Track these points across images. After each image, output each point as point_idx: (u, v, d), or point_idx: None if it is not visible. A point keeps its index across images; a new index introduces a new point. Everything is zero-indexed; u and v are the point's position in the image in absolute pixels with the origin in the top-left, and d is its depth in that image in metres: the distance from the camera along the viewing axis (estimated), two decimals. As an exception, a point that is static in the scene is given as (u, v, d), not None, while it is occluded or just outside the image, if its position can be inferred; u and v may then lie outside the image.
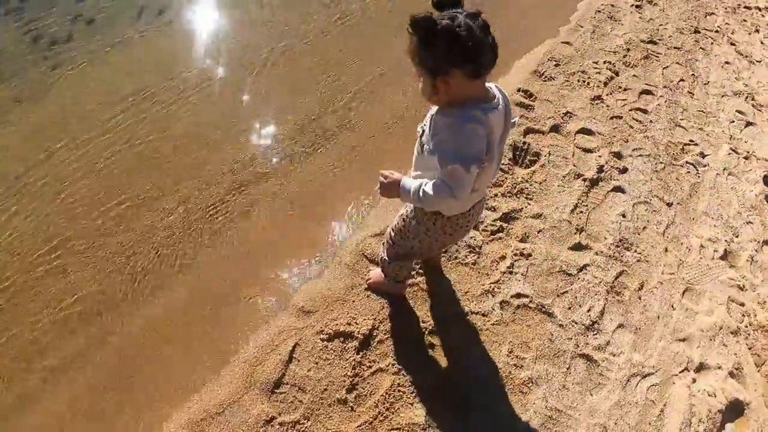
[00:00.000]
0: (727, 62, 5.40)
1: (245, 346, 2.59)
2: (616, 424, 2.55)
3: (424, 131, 1.99)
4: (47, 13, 4.43)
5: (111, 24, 4.42)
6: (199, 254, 3.01)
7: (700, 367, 2.89)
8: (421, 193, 1.87)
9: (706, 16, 6.06)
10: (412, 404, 2.40)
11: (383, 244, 2.53)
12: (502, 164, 3.49)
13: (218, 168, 3.43)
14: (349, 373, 2.45)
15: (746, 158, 4.25)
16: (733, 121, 4.58)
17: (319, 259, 3.03)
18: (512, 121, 1.96)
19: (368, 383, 2.45)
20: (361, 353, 2.53)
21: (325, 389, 2.40)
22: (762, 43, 5.96)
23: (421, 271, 2.87)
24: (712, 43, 5.62)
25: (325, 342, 2.55)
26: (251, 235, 3.14)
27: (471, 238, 3.05)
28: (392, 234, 2.38)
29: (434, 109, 1.91)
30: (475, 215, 2.20)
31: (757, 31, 6.17)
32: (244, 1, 4.88)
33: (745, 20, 6.30)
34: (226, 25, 4.65)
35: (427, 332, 2.65)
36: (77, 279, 2.81)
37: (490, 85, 1.85)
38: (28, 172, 3.24)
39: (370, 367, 2.50)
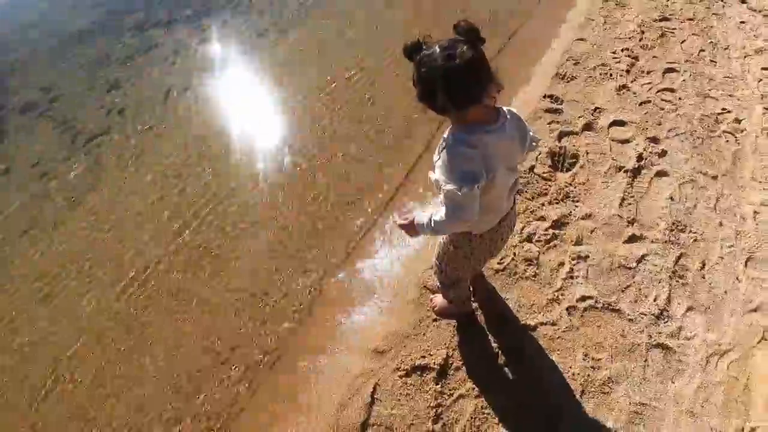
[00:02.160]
0: (742, 22, 5.28)
1: (327, 395, 2.68)
2: (702, 407, 2.54)
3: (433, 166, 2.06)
4: (79, 110, 4.71)
5: (141, 110, 4.65)
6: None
7: (778, 334, 2.85)
8: (432, 224, 1.94)
9: (712, -20, 5.95)
10: (498, 424, 2.46)
11: (433, 272, 2.60)
12: (543, 172, 3.53)
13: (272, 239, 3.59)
14: (432, 404, 2.52)
15: (783, 114, 4.16)
16: (761, 80, 4.48)
17: (383, 300, 3.11)
18: (532, 143, 2.02)
19: (452, 411, 2.52)
20: (440, 383, 2.60)
21: (412, 424, 2.48)
22: (774, -7, 5.81)
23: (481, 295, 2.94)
24: (723, 6, 5.52)
25: (404, 378, 2.63)
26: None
27: (527, 251, 3.11)
28: (438, 262, 2.44)
29: None
30: (508, 229, 2.24)
31: (767, -18, 6.00)
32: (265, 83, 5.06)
33: (752, -25, 6.14)
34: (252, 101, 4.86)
35: (500, 351, 2.71)
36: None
37: (504, 108, 1.88)
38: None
39: (452, 394, 2.57)
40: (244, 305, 3.18)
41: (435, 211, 1.93)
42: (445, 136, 1.87)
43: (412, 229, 2.04)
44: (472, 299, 2.86)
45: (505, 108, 1.90)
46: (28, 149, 4.43)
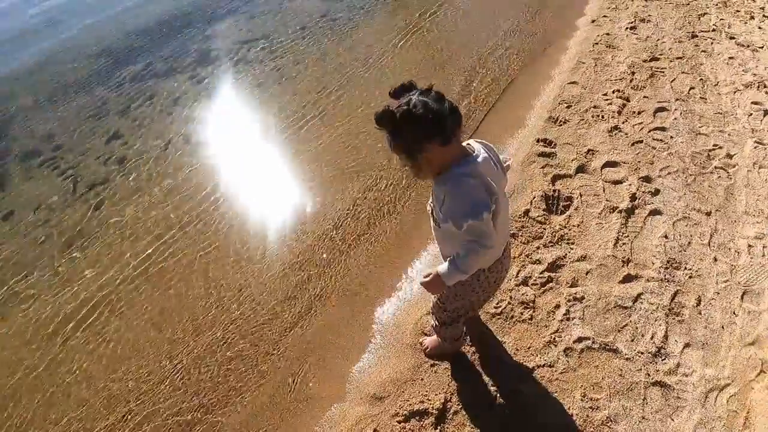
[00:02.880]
0: (731, 57, 5.39)
1: None
2: (702, 443, 2.56)
3: (432, 207, 2.15)
4: (82, 158, 4.91)
5: (143, 161, 4.82)
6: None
7: (776, 367, 2.86)
8: (460, 266, 2.01)
9: (699, 18, 6.10)
10: (499, 469, 2.48)
11: (432, 312, 2.68)
12: (538, 216, 3.61)
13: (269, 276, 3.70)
14: None
15: (773, 147, 4.23)
16: (751, 114, 4.56)
17: (381, 345, 3.17)
18: (506, 164, 2.14)
19: (451, 456, 2.54)
20: (438, 427, 2.62)
21: (412, 469, 2.51)
22: (760, 28, 5.92)
23: (480, 338, 2.99)
24: (712, 43, 5.65)
25: (402, 423, 2.66)
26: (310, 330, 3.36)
27: (522, 294, 3.17)
28: (441, 301, 2.50)
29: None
30: (508, 258, 2.34)
31: (752, 17, 6.14)
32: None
33: (738, 11, 6.29)
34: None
35: (498, 395, 2.74)
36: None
37: (468, 141, 2.03)
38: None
39: (450, 439, 2.59)
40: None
41: (455, 255, 2.01)
42: (442, 185, 1.96)
43: (437, 283, 2.09)
44: (467, 340, 2.92)
45: (470, 141, 2.05)
46: (31, 196, 4.61)
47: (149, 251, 3.99)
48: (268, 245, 3.92)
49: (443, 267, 2.06)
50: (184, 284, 3.72)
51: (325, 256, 3.77)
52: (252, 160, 4.84)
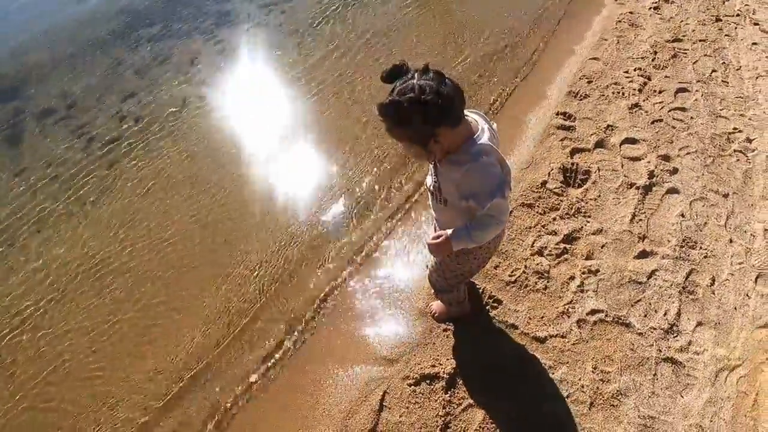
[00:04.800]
0: (754, 43, 5.21)
1: (336, 401, 2.66)
2: (711, 421, 2.49)
3: (437, 187, 2.05)
4: (95, 117, 4.76)
5: (159, 120, 4.69)
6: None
7: (787, 350, 2.77)
8: (473, 237, 1.92)
9: (724, 2, 5.89)
10: (505, 435, 2.41)
11: (430, 281, 2.61)
12: (555, 188, 3.50)
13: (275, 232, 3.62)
14: (440, 413, 2.49)
15: (794, 134, 4.09)
16: (773, 99, 4.41)
17: (393, 308, 3.08)
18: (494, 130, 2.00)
19: (460, 420, 2.48)
20: (449, 392, 2.56)
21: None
22: (786, 15, 5.73)
23: (495, 305, 2.90)
24: (735, 28, 5.45)
25: (413, 386, 2.60)
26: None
27: (537, 264, 3.08)
28: (440, 269, 2.43)
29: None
30: (507, 223, 2.26)
31: (779, 4, 5.93)
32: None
33: (763, -3, 6.08)
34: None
35: (510, 362, 2.68)
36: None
37: (467, 114, 1.89)
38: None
39: (460, 404, 2.53)
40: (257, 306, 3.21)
41: (469, 224, 1.92)
42: (455, 166, 1.85)
43: (444, 246, 1.98)
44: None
45: (466, 112, 1.89)
46: (44, 153, 4.47)
47: (167, 209, 3.89)
48: (289, 205, 3.81)
49: (455, 233, 1.95)
50: (196, 241, 3.63)
51: (342, 219, 3.67)
52: (269, 121, 4.69)
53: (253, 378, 2.87)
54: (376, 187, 3.86)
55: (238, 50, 5.58)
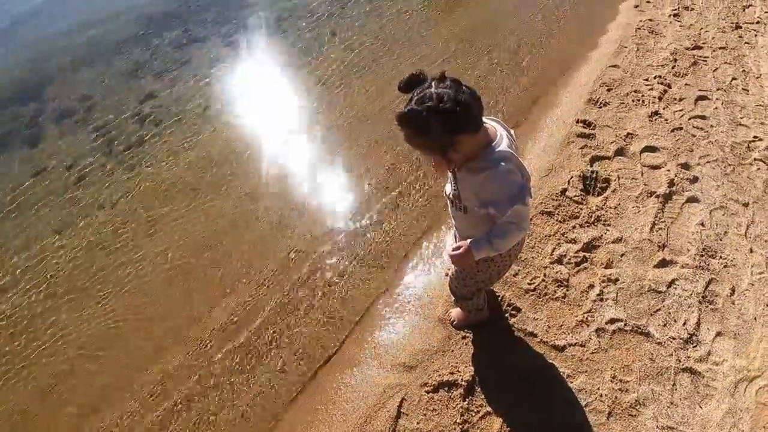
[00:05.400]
0: (775, 50, 5.16)
1: (354, 407, 2.67)
2: (730, 433, 2.47)
3: (457, 195, 2.05)
4: (115, 118, 4.81)
5: (178, 122, 4.71)
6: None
7: (808, 363, 2.75)
8: (495, 245, 1.93)
9: (744, 10, 5.82)
10: (526, 444, 2.40)
11: (450, 288, 2.62)
12: (575, 196, 3.49)
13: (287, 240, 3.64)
14: (458, 421, 2.48)
15: (815, 144, 4.04)
16: (794, 109, 4.37)
17: (412, 315, 3.09)
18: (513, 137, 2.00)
19: (478, 428, 2.47)
20: (467, 400, 2.56)
21: (437, 439, 2.45)
22: (806, 23, 5.66)
23: (514, 312, 2.90)
24: (755, 35, 5.40)
25: (431, 393, 2.60)
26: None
27: (557, 272, 3.07)
28: (461, 275, 2.43)
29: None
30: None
31: (799, 12, 5.86)
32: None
33: (784, 5, 6.01)
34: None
35: (529, 370, 2.67)
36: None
37: (483, 120, 1.88)
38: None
39: (478, 411, 2.52)
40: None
41: (490, 232, 1.92)
42: (475, 173, 1.86)
43: (467, 257, 1.98)
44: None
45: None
46: (64, 154, 4.52)
47: (185, 211, 3.93)
48: (307, 209, 3.84)
49: (475, 242, 1.96)
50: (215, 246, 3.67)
51: (365, 224, 3.69)
52: (287, 126, 4.71)
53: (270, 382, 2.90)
54: (396, 196, 3.88)
55: (258, 55, 5.62)
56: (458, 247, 2.00)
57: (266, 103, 5.02)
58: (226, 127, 4.67)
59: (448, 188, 2.16)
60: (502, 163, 1.81)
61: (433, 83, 1.73)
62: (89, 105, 5.06)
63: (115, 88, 5.26)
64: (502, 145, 1.85)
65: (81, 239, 3.79)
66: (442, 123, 1.71)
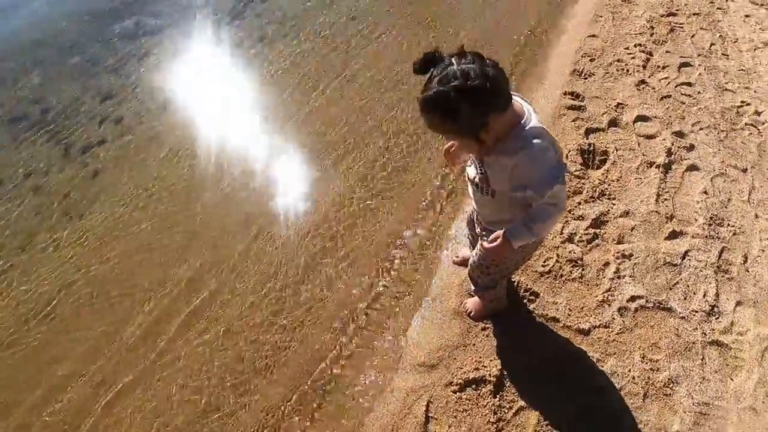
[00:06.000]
0: (746, 15, 5.30)
1: (376, 416, 2.53)
2: (764, 402, 2.49)
3: (484, 178, 1.95)
4: (72, 120, 4.50)
5: (139, 120, 4.47)
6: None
7: (828, 326, 2.80)
8: (536, 231, 1.86)
9: (712, -25, 5.95)
10: (566, 436, 2.36)
11: (471, 278, 2.54)
12: (576, 170, 3.46)
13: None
14: (491, 420, 2.39)
15: (800, 105, 4.15)
16: (774, 71, 4.48)
17: (426, 310, 2.97)
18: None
19: (514, 425, 2.39)
20: (497, 396, 2.46)
21: (472, 443, 2.36)
22: (775, -13, 5.82)
23: (532, 297, 2.85)
24: (726, 1, 5.52)
25: (458, 393, 2.49)
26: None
27: (570, 252, 3.04)
28: (484, 265, 2.36)
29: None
30: None
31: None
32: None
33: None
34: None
35: (557, 358, 2.62)
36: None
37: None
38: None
39: (511, 407, 2.44)
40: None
41: (527, 218, 1.85)
42: (508, 154, 1.76)
43: (504, 246, 1.90)
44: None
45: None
46: (20, 161, 4.20)
47: (150, 213, 3.71)
48: (285, 211, 3.68)
49: (513, 231, 1.87)
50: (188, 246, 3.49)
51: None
52: (252, 117, 4.50)
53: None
54: (400, 185, 3.76)
55: (218, 43, 5.37)
56: (494, 239, 1.91)
57: (230, 93, 4.77)
58: (190, 122, 4.42)
59: (472, 172, 2.04)
60: (536, 140, 1.72)
61: (453, 60, 1.61)
62: (43, 108, 4.68)
63: (70, 88, 4.88)
64: (533, 120, 1.76)
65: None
66: (473, 102, 1.59)
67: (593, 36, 4.84)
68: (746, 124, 3.95)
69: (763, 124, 3.96)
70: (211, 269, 3.31)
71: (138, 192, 3.85)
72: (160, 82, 4.84)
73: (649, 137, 3.76)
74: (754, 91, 4.27)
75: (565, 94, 4.12)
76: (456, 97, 1.57)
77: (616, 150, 3.65)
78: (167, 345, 2.96)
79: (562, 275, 2.94)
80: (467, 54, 1.63)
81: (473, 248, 2.58)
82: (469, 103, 1.59)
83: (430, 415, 2.45)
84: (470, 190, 2.16)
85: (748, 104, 4.12)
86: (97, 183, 3.95)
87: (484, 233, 2.25)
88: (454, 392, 2.50)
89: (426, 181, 3.74)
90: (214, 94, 4.72)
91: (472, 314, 2.78)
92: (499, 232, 1.90)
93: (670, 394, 2.49)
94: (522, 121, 1.75)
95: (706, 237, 3.14)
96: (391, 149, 3.97)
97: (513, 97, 1.76)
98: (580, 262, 3.00)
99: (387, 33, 5.18)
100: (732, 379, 2.57)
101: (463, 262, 2.97)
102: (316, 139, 4.14)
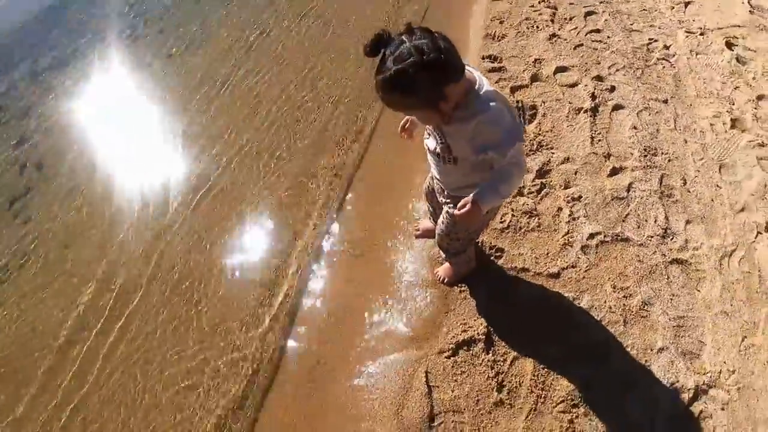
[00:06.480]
0: (639, -42, 5.63)
1: (380, 400, 2.57)
2: (731, 305, 2.72)
3: (445, 147, 2.03)
4: None
5: (61, 163, 4.32)
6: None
7: (768, 225, 3.06)
8: (503, 191, 1.94)
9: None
10: (562, 375, 2.49)
11: (440, 245, 2.66)
12: (511, 128, 3.61)
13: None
14: (490, 375, 2.51)
15: (702, 34, 4.47)
16: (673, 7, 4.80)
17: (397, 286, 3.04)
18: None
19: (512, 375, 2.52)
20: (490, 351, 2.59)
21: (478, 399, 2.46)
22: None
23: (498, 254, 2.98)
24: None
25: (452, 357, 2.60)
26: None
27: (523, 204, 3.18)
28: (453, 231, 2.46)
29: None
30: None
31: None
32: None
33: None
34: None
35: (536, 304, 2.77)
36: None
37: None
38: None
39: (505, 360, 2.57)
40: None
41: (492, 180, 1.92)
42: (466, 120, 1.83)
43: (475, 212, 1.92)
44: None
45: None
46: None
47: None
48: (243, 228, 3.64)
49: (480, 194, 1.91)
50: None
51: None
52: (179, 139, 4.37)
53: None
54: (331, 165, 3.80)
55: (125, 67, 5.23)
56: (462, 206, 1.95)
57: (148, 118, 4.65)
58: (112, 154, 4.30)
59: (431, 143, 2.10)
60: (492, 104, 1.81)
61: (404, 38, 1.68)
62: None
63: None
64: (485, 85, 1.85)
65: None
66: (430, 76, 1.67)
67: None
68: (658, 59, 4.23)
69: (674, 56, 4.25)
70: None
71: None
72: (74, 119, 4.66)
73: (572, 86, 3.98)
74: (659, 28, 4.57)
75: (483, 58, 4.29)
76: (414, 73, 1.64)
77: (543, 102, 3.84)
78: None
79: (521, 227, 3.08)
80: (416, 30, 1.70)
81: (435, 219, 2.67)
82: (427, 77, 1.67)
83: (431, 384, 2.53)
84: (431, 161, 2.24)
85: (656, 41, 4.41)
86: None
87: (448, 201, 2.33)
88: (448, 357, 2.60)
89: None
90: (132, 121, 4.61)
91: (445, 281, 2.89)
92: (468, 198, 1.94)
93: (646, 316, 2.67)
94: (476, 87, 1.84)
95: (645, 168, 3.36)
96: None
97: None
98: (534, 212, 3.15)
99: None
100: (699, 290, 2.78)
101: (426, 234, 3.07)
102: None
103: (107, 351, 3.00)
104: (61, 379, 2.93)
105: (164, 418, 2.68)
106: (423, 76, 1.65)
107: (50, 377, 2.94)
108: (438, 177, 2.30)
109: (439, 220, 2.53)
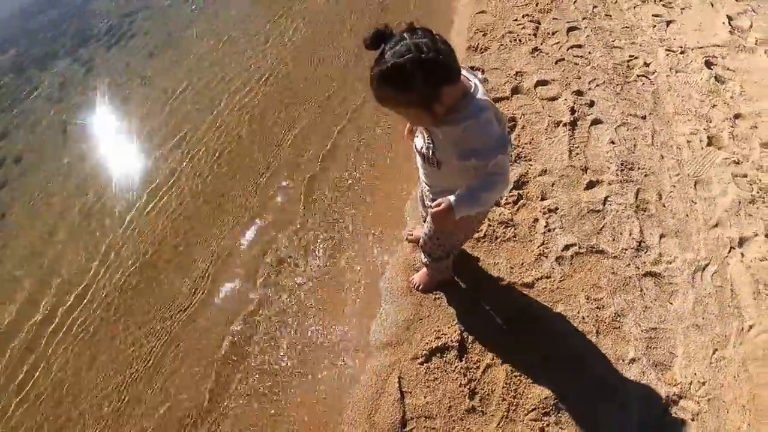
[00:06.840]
0: (622, -23, 5.80)
1: (353, 404, 2.63)
2: (703, 319, 2.80)
3: (430, 148, 2.07)
4: None
5: (41, 157, 4.35)
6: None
7: (741, 241, 3.15)
8: (481, 200, 1.99)
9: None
10: (534, 383, 2.55)
11: (424, 250, 2.69)
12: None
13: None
14: (463, 382, 2.57)
15: (682, 52, 4.60)
16: (655, 26, 4.94)
17: (372, 293, 3.11)
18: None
19: (485, 382, 2.58)
20: (463, 359, 2.66)
21: (450, 406, 2.52)
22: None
23: (473, 263, 3.04)
24: (601, -36, 6.03)
25: (425, 364, 2.66)
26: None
27: (500, 215, 3.25)
28: (436, 236, 2.50)
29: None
30: None
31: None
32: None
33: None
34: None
35: (509, 313, 2.83)
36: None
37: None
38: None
39: (478, 367, 2.63)
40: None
41: (473, 187, 1.96)
42: (455, 124, 1.86)
43: (448, 215, 1.99)
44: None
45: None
46: None
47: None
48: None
49: (458, 200, 1.98)
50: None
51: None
52: (151, 137, 4.46)
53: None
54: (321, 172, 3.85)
55: (109, 65, 5.26)
56: (439, 203, 2.02)
57: (129, 116, 4.70)
58: (92, 150, 4.32)
59: (419, 142, 2.15)
60: (483, 112, 1.85)
61: (405, 35, 1.72)
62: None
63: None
64: (479, 93, 1.88)
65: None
66: (427, 74, 1.70)
67: (482, 12, 5.16)
68: (638, 75, 4.35)
69: (654, 73, 4.38)
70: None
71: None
72: (55, 113, 4.67)
73: (552, 99, 4.08)
74: (640, 45, 4.70)
75: (465, 70, 4.37)
76: (411, 70, 1.68)
77: (523, 115, 3.93)
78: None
79: (497, 237, 3.15)
80: (417, 29, 1.74)
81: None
82: (423, 75, 1.70)
83: (404, 390, 2.59)
84: (418, 161, 2.28)
85: (636, 58, 4.54)
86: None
87: (431, 204, 2.39)
88: (422, 363, 2.66)
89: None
90: (113, 117, 4.67)
91: (420, 288, 2.95)
92: (444, 199, 2.01)
93: (619, 327, 2.74)
94: (471, 92, 1.88)
95: (621, 182, 3.45)
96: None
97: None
98: (511, 222, 3.22)
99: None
100: (671, 303, 2.87)
101: (417, 240, 3.12)
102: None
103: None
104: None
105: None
106: (419, 74, 1.69)
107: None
108: (423, 178, 2.35)
109: (425, 223, 2.58)
